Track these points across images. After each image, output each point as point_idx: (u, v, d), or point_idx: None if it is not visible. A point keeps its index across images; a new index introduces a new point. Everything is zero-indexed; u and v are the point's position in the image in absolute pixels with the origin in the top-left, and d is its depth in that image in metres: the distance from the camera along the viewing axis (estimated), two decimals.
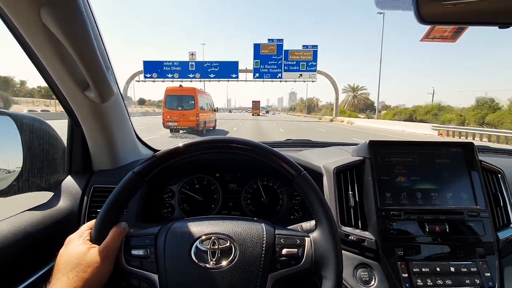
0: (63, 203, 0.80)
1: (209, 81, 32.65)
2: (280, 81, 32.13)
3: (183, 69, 31.16)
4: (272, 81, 32.21)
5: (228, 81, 32.78)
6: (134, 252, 0.52)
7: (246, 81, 33.55)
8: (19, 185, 0.71)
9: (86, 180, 0.86)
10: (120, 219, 0.55)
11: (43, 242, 0.70)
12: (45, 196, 0.82)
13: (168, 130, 12.31)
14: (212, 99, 16.73)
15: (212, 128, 15.80)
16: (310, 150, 1.23)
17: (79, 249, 0.48)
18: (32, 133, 0.72)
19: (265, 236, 0.54)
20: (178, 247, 0.52)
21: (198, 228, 0.55)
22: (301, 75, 31.20)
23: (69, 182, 0.85)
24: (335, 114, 36.19)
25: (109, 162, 0.90)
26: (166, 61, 31.22)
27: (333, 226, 0.55)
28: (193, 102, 12.37)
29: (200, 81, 32.65)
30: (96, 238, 0.51)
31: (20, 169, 0.71)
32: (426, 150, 0.83)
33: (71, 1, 0.53)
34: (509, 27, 0.58)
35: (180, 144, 0.58)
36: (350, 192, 0.81)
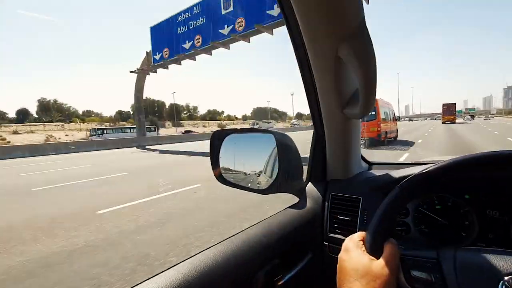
0: (309, 205, 0.88)
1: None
2: None
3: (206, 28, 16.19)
4: None
5: None
6: (415, 273, 0.47)
7: None
8: (275, 188, 0.83)
9: (324, 188, 0.91)
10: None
11: (300, 235, 0.78)
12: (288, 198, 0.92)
13: None
14: (393, 108, 14.98)
15: (393, 138, 14.03)
16: None
17: (363, 259, 0.47)
18: (283, 146, 0.83)
19: None
20: (478, 281, 0.42)
21: (502, 262, 0.42)
22: None
23: (311, 188, 0.93)
24: None
25: (341, 172, 0.92)
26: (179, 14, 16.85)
27: None
28: (374, 112, 11.71)
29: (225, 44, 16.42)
30: (372, 250, 0.48)
31: (276, 175, 0.83)
32: None
33: (367, 36, 0.55)
34: None
35: (461, 158, 0.47)
36: None
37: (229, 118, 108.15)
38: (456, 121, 42.98)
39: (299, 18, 0.59)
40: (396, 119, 15.47)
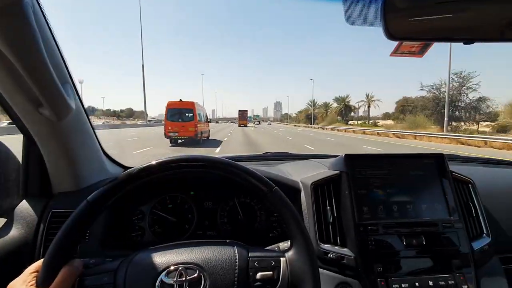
0: (15, 232, 0.67)
1: None
2: None
3: None
4: None
5: None
6: None
7: None
8: None
9: (44, 205, 0.73)
10: (80, 248, 0.46)
11: None
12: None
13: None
14: (206, 111, 16.70)
15: (206, 138, 15.67)
16: (287, 164, 1.12)
17: None
18: None
19: (237, 260, 0.46)
20: (141, 284, 0.43)
21: (163, 258, 0.46)
22: None
23: (23, 207, 0.72)
24: None
25: (71, 183, 0.77)
26: None
27: (309, 244, 0.47)
28: (192, 114, 12.51)
29: None
30: (44, 282, 0.40)
31: None
32: (400, 162, 0.77)
33: (19, 12, 0.43)
34: (473, 43, 0.54)
35: (139, 167, 0.49)
36: (328, 208, 0.72)
37: None
38: (248, 125, 52.41)
39: None
40: (208, 121, 17.34)
